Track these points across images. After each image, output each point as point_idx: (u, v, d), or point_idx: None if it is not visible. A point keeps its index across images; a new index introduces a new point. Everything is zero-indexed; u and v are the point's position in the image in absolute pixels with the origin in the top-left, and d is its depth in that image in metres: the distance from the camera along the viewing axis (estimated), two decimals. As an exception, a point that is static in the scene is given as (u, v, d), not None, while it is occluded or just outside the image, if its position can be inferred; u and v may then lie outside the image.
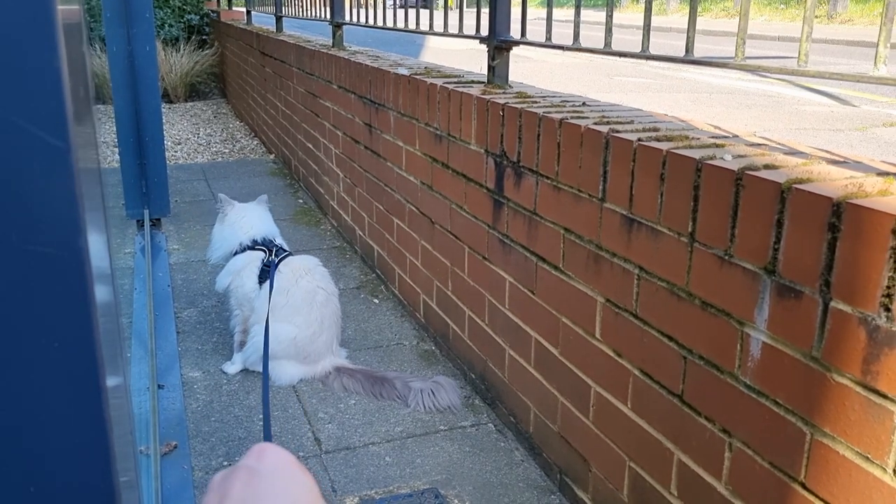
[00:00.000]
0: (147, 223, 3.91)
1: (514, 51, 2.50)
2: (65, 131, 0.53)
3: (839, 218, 1.14)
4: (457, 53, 10.43)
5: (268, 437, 1.65)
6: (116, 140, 3.86)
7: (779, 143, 1.57)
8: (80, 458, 0.58)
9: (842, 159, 1.41)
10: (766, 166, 1.33)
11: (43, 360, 0.56)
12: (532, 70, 9.58)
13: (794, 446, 1.26)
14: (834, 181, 1.24)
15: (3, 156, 0.52)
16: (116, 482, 0.60)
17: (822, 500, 1.22)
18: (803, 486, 1.25)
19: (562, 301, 1.95)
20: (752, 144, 1.56)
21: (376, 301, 3.31)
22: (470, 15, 2.73)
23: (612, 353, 1.76)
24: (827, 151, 1.49)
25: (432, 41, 12.42)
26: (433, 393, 2.44)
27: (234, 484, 0.52)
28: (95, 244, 0.60)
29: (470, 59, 7.51)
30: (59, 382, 0.56)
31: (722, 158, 1.40)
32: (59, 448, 0.57)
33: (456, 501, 2.01)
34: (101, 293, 0.59)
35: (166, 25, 9.07)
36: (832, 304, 1.16)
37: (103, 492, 0.59)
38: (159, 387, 2.44)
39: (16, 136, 0.52)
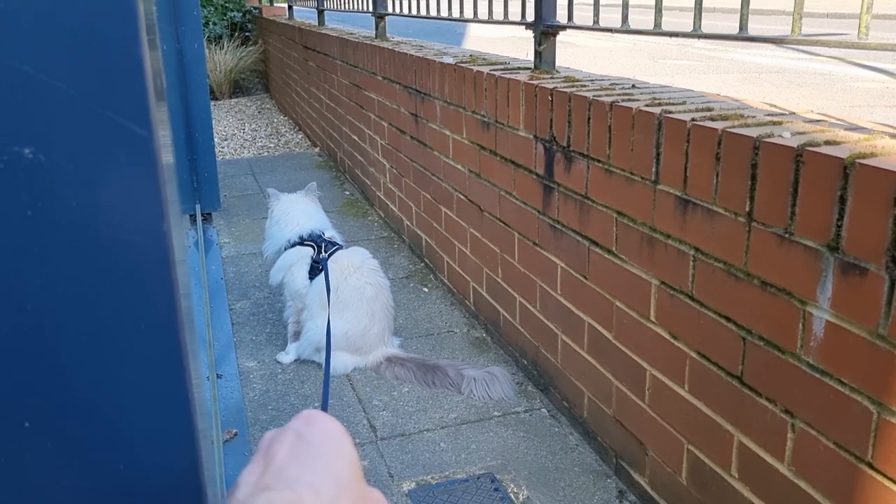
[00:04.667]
0: (199, 218, 3.98)
1: (558, 37, 2.48)
2: (148, 120, 0.55)
3: (906, 192, 1.11)
4: (499, 42, 10.38)
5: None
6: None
7: (838, 119, 1.54)
8: (169, 438, 0.60)
9: (905, 133, 1.38)
10: (828, 142, 1.31)
11: (131, 343, 0.58)
12: (575, 55, 9.50)
13: (861, 426, 1.24)
14: (899, 155, 1.21)
15: (90, 144, 0.54)
16: (201, 462, 0.62)
17: (890, 479, 1.20)
18: (871, 465, 1.23)
19: (615, 285, 1.94)
20: (811, 121, 1.53)
21: (426, 290, 3.33)
22: (514, 3, 2.71)
23: (667, 336, 1.75)
24: (890, 126, 1.45)
25: (473, 31, 12.37)
26: (487, 384, 2.45)
27: (280, 448, 0.50)
28: (175, 231, 0.62)
29: (513, 46, 7.46)
30: (148, 364, 0.58)
31: (780, 136, 1.38)
32: (148, 425, 0.59)
33: (512, 486, 2.02)
34: (181, 279, 0.61)
35: (210, 23, 9.20)
36: (899, 280, 1.14)
37: (190, 471, 0.61)
38: (218, 376, 2.50)
39: (102, 125, 0.54)
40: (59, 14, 0.51)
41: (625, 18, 2.06)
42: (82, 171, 0.54)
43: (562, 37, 2.48)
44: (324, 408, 1.74)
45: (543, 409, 2.38)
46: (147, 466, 0.60)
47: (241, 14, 9.59)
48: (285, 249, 2.76)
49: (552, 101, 2.13)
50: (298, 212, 2.83)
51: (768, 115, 1.61)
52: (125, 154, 0.55)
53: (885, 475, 1.21)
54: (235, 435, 2.20)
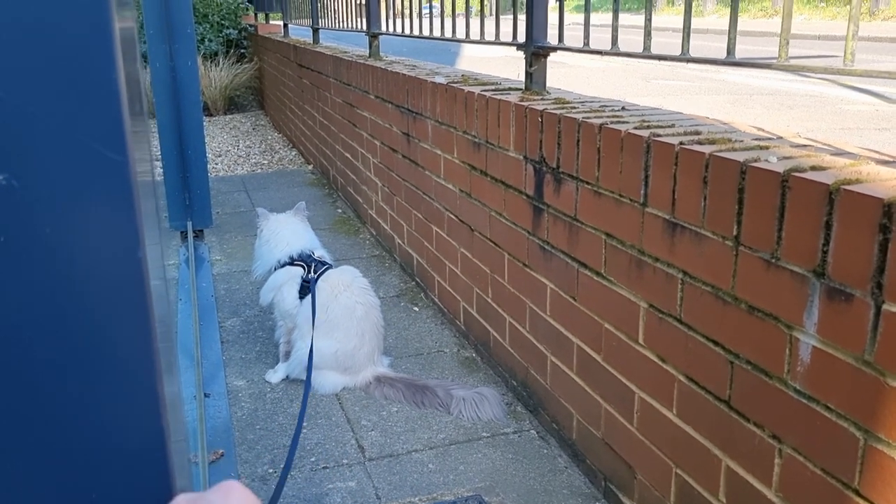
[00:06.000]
0: (190, 234, 3.97)
1: (550, 57, 2.49)
2: (123, 145, 0.55)
3: (890, 219, 1.12)
4: (492, 61, 10.43)
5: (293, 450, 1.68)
6: (159, 153, 3.95)
7: (825, 144, 1.54)
8: (140, 463, 0.59)
9: (892, 159, 1.39)
10: (813, 167, 1.31)
11: (104, 368, 0.57)
12: (568, 76, 9.55)
13: (848, 452, 1.23)
14: (884, 181, 1.21)
15: (65, 170, 0.53)
16: (174, 488, 0.61)
17: (877, 507, 1.19)
18: (857, 492, 1.22)
19: (604, 307, 1.94)
20: (798, 146, 1.54)
21: (416, 309, 3.32)
22: (506, 22, 2.73)
23: (656, 359, 1.74)
24: (875, 151, 1.46)
25: (468, 50, 12.44)
26: (476, 404, 2.44)
27: None
28: (152, 255, 0.61)
29: (506, 65, 7.50)
30: (119, 388, 0.58)
31: (767, 160, 1.39)
32: (119, 449, 0.58)
33: (500, 509, 2.01)
34: (157, 303, 0.61)
35: (206, 40, 9.23)
36: (885, 306, 1.14)
37: (161, 496, 0.60)
38: (205, 395, 2.48)
39: (77, 151, 0.54)
40: (32, 38, 0.50)
41: (614, 41, 2.07)
42: (56, 198, 0.53)
43: (555, 57, 2.49)
44: (296, 433, 1.72)
45: (532, 431, 2.37)
46: (119, 487, 0.59)
47: (236, 31, 9.62)
48: (275, 269, 2.75)
49: (542, 122, 2.13)
50: (288, 232, 2.82)
51: (756, 139, 1.61)
52: (100, 180, 0.54)
53: (871, 502, 1.20)
54: (222, 455, 2.18)
